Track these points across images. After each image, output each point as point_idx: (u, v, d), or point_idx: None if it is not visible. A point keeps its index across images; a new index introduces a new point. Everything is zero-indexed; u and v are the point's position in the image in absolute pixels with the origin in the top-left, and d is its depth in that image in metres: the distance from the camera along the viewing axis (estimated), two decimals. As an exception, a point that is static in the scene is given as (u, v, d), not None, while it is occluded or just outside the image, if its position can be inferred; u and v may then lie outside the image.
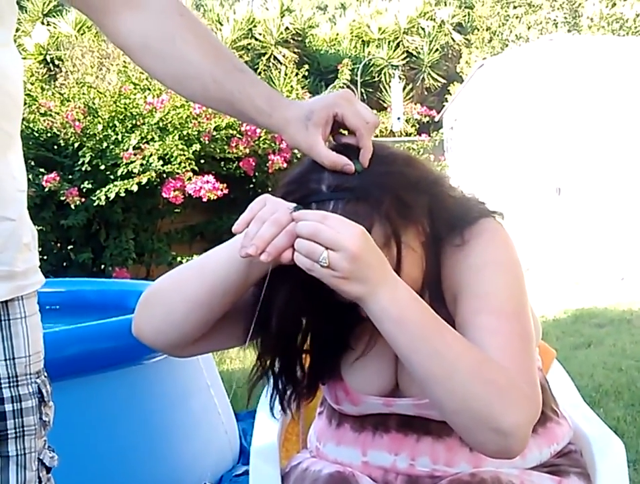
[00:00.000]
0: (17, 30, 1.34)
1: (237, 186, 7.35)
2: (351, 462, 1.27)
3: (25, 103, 7.33)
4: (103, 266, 6.98)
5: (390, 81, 12.72)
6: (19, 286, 1.10)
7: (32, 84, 7.47)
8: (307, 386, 1.27)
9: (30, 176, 6.50)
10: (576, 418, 1.46)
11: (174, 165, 6.73)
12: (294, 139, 1.18)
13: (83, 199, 6.61)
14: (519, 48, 12.21)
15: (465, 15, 16.52)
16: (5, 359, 1.08)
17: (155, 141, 6.83)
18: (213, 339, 1.23)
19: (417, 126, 11.70)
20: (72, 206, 6.55)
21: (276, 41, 13.97)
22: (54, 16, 15.85)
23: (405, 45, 15.31)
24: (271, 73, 12.30)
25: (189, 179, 6.77)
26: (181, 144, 6.85)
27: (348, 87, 10.55)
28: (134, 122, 6.98)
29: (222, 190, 6.84)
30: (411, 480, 1.23)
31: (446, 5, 16.77)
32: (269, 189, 8.05)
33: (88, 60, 11.30)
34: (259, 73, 11.57)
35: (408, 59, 15.01)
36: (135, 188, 6.55)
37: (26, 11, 16.45)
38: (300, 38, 14.41)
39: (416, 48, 15.38)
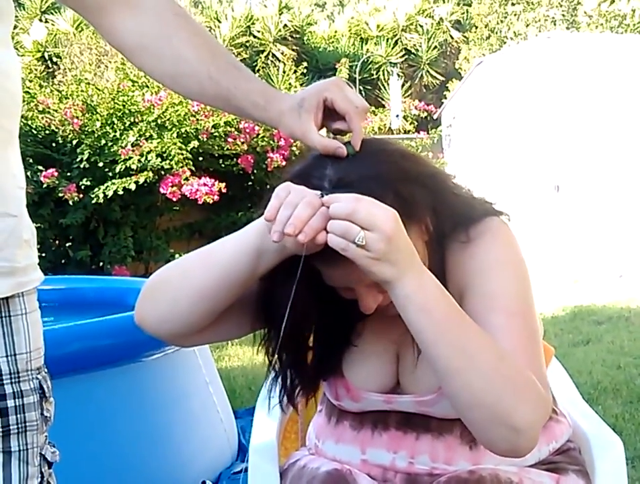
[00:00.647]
0: (14, 27, 1.35)
1: (235, 183, 7.35)
2: (350, 460, 1.27)
3: (23, 101, 7.32)
4: (101, 264, 6.98)
5: (388, 79, 12.72)
6: (20, 282, 1.10)
7: (30, 81, 7.47)
8: (309, 382, 1.27)
9: (28, 173, 6.50)
10: (575, 415, 1.46)
11: (172, 162, 6.73)
12: (289, 128, 1.19)
13: (82, 196, 6.60)
14: (517, 46, 12.21)
15: (463, 13, 16.50)
16: (7, 355, 1.09)
17: (153, 138, 6.83)
18: (217, 330, 1.21)
19: (416, 123, 11.69)
20: (71, 203, 6.55)
21: (274, 38, 13.96)
22: (52, 13, 15.82)
23: (404, 42, 15.30)
24: (270, 70, 12.29)
25: (187, 179, 6.76)
26: (179, 141, 6.85)
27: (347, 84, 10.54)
28: (132, 119, 6.97)
29: (219, 191, 6.83)
30: (410, 478, 1.22)
31: (444, 2, 16.76)
32: (268, 186, 8.03)
33: (86, 57, 11.29)
34: (258, 71, 11.56)
35: (406, 56, 15.00)
36: (133, 187, 6.55)
37: (24, 8, 16.43)
38: (298, 36, 14.39)
39: (414, 45, 15.37)
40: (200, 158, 7.08)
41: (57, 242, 7.04)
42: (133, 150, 6.68)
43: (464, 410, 1.06)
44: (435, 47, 15.35)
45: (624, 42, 10.55)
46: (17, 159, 1.14)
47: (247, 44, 13.88)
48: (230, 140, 7.15)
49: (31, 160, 6.53)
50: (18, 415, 1.09)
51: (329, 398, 1.32)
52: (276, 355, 1.22)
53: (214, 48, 1.24)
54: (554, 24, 15.68)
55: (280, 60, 12.89)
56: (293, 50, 13.38)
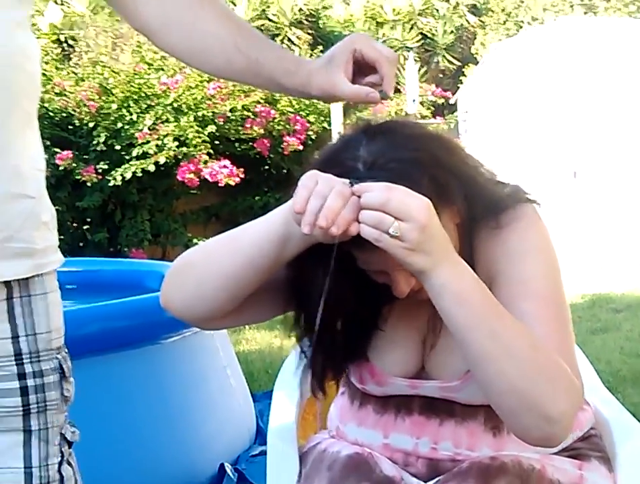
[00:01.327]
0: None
1: (252, 167, 7.35)
2: (372, 444, 1.26)
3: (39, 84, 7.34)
4: (118, 246, 7.01)
5: (404, 63, 12.64)
6: (38, 264, 1.10)
7: (47, 63, 7.48)
8: (337, 366, 1.27)
9: (46, 156, 6.50)
10: (595, 402, 1.45)
11: (189, 147, 6.72)
12: (319, 86, 1.16)
13: (100, 177, 6.61)
14: (534, 30, 12.11)
15: (480, -3, 16.38)
16: (26, 335, 1.09)
17: (170, 122, 6.83)
18: (242, 314, 1.21)
19: (432, 108, 11.64)
20: (89, 184, 6.57)
21: (290, 22, 13.89)
22: (68, -4, 15.79)
23: (419, 27, 15.19)
24: (285, 54, 12.23)
25: (205, 162, 6.76)
26: (196, 125, 6.85)
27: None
28: (148, 102, 6.98)
29: (239, 175, 6.83)
30: (433, 463, 1.22)
31: (460, -14, 16.63)
32: (284, 170, 8.07)
33: (102, 40, 11.28)
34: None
35: (422, 41, 14.90)
36: (152, 168, 6.55)
37: (40, -10, 16.40)
38: (313, 19, 14.32)
39: (430, 29, 15.27)
40: (217, 142, 7.07)
41: (74, 224, 7.07)
42: (150, 134, 6.68)
43: (497, 398, 1.06)
44: (452, 31, 15.23)
45: (643, 26, 10.44)
46: (36, 141, 1.14)
47: (262, 28, 13.82)
48: (247, 125, 7.15)
49: (48, 143, 6.55)
50: (38, 395, 1.10)
51: (352, 381, 1.32)
52: (302, 342, 1.23)
53: (238, 21, 1.23)
54: (572, 8, 15.54)
55: (295, 44, 12.83)
56: (308, 33, 13.32)
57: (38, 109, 1.17)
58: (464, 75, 14.51)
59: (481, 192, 1.17)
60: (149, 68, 7.34)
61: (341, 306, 1.15)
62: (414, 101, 8.02)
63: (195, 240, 7.10)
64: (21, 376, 1.09)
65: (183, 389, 2.68)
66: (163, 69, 7.37)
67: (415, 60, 9.54)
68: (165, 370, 2.65)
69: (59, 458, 1.14)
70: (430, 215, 1.00)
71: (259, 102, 7.33)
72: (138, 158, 6.68)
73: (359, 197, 1.00)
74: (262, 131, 7.25)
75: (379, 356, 1.25)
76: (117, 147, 6.75)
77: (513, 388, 1.03)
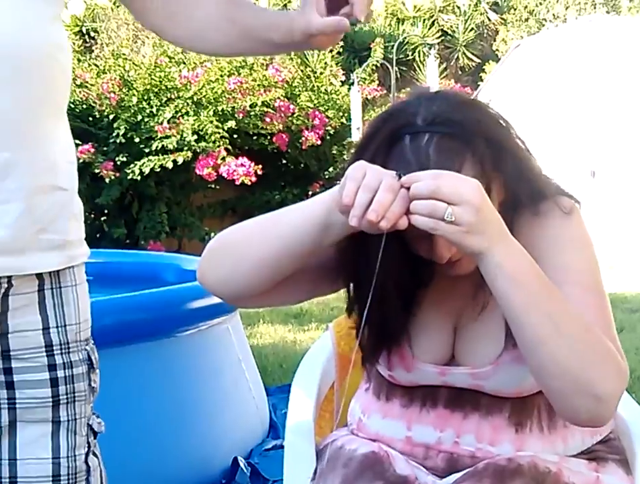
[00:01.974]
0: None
1: (269, 162, 7.35)
2: (394, 436, 1.26)
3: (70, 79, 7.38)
4: (136, 239, 7.03)
5: (424, 60, 12.58)
6: (71, 256, 1.12)
7: (68, 55, 7.51)
8: (372, 350, 1.25)
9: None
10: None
11: (209, 143, 6.73)
12: (299, 30, 1.16)
13: (117, 174, 6.64)
14: (557, 29, 12.03)
15: (502, -6, 16.28)
16: (57, 327, 1.10)
17: (190, 116, 6.84)
18: (278, 294, 1.22)
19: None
20: (107, 181, 6.59)
21: (311, 17, 13.88)
22: (90, -12, 15.85)
23: (440, 23, 15.13)
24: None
25: (223, 158, 6.77)
26: (216, 120, 6.85)
27: (382, 65, 10.46)
28: (168, 95, 6.99)
29: (256, 173, 6.84)
30: (452, 458, 1.22)
31: (482, -18, 16.54)
32: (302, 165, 8.06)
33: (123, 32, 11.32)
34: (293, 49, 11.49)
35: (443, 38, 14.83)
36: (170, 165, 6.57)
37: (62, -18, 16.43)
38: (334, 15, 14.31)
39: (451, 26, 15.20)
40: (235, 136, 7.08)
41: (92, 216, 7.10)
42: (170, 128, 6.70)
43: (549, 380, 1.07)
44: (472, 29, 15.16)
45: (667, 26, 10.34)
46: (67, 134, 1.15)
47: (284, 22, 13.83)
48: (267, 119, 7.14)
49: (68, 135, 6.58)
50: (68, 385, 1.11)
51: (379, 370, 1.31)
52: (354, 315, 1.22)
53: None
54: (595, 7, 15.41)
55: (315, 39, 12.82)
56: (329, 29, 13.28)
57: None
58: (485, 72, 14.43)
59: (528, 174, 1.18)
60: (170, 61, 7.35)
61: (384, 285, 1.15)
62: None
63: (212, 234, 7.11)
64: (52, 367, 1.10)
65: (198, 382, 2.68)
66: (184, 62, 7.38)
67: (436, 56, 9.48)
68: (180, 363, 2.66)
69: (86, 449, 1.15)
70: (482, 195, 1.00)
71: (279, 97, 7.33)
72: (157, 152, 6.69)
73: (407, 189, 1.00)
74: (281, 126, 7.24)
75: (410, 341, 1.25)
76: (137, 140, 6.76)
77: (566, 370, 1.04)
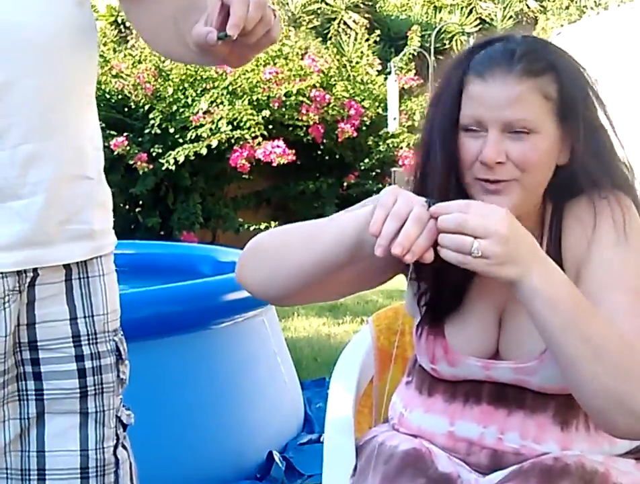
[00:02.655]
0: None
1: (304, 153, 7.33)
2: (435, 432, 1.24)
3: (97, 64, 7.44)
4: (170, 230, 7.06)
5: (461, 48, 12.47)
6: (98, 246, 1.11)
7: (104, 45, 7.55)
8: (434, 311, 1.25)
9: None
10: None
11: (243, 130, 6.72)
12: (189, 39, 1.06)
13: (151, 166, 6.67)
14: (598, 16, 11.85)
15: (541, -18, 16.11)
16: (85, 317, 1.09)
17: (225, 105, 6.84)
18: (320, 293, 1.27)
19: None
20: (141, 172, 6.63)
21: (347, 5, 13.82)
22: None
23: (478, 11, 15.02)
24: (341, 38, 12.17)
25: (259, 143, 6.77)
26: (251, 109, 6.84)
27: (419, 54, 10.38)
28: (204, 85, 7.00)
29: (292, 155, 6.84)
30: (496, 455, 1.19)
31: (521, -30, 16.37)
32: (337, 156, 8.03)
33: (159, 23, 11.38)
34: (330, 38, 11.48)
35: (481, 26, 14.71)
36: (204, 151, 6.57)
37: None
38: (370, 3, 14.23)
39: (489, 14, 15.07)
40: (271, 127, 7.07)
41: (127, 207, 7.14)
42: (204, 117, 6.70)
43: (589, 399, 1.07)
44: (511, 17, 15.03)
45: None
46: (95, 122, 1.14)
47: (319, 11, 13.78)
48: (302, 110, 7.12)
49: (103, 125, 6.60)
50: (95, 377, 1.10)
51: (422, 365, 1.29)
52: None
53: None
54: (637, -6, 15.17)
55: (351, 28, 12.77)
56: (365, 17, 13.23)
57: (96, 91, 1.15)
58: (523, 62, 14.26)
59: (603, 151, 1.19)
60: (205, 51, 7.36)
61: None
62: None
63: (246, 226, 7.12)
64: (79, 358, 1.09)
65: (234, 375, 2.67)
66: (218, 52, 7.37)
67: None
68: (216, 355, 2.65)
69: (114, 441, 1.13)
70: (510, 224, 1.00)
71: (314, 86, 7.30)
72: (191, 141, 6.70)
73: (436, 218, 1.01)
74: (317, 118, 7.22)
75: (455, 334, 1.23)
76: (172, 130, 6.78)
77: (604, 388, 1.04)
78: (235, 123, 6.80)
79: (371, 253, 1.07)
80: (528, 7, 15.56)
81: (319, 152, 7.77)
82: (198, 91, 7.00)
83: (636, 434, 1.09)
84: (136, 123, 7.03)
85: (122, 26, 10.93)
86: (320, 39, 11.42)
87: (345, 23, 13.54)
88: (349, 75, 8.06)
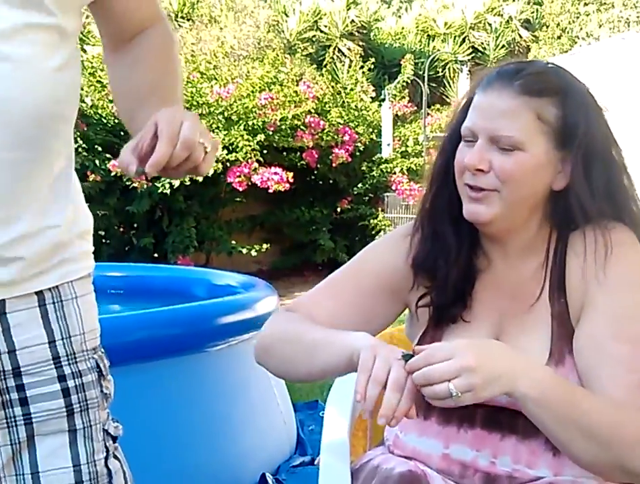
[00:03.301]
0: (87, 17, 1.33)
1: (299, 178, 7.36)
2: (430, 454, 1.25)
3: (94, 89, 7.43)
4: (164, 252, 7.07)
5: (454, 76, 12.58)
6: (68, 271, 1.11)
7: (102, 70, 7.58)
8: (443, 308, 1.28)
9: (97, 161, 6.60)
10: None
11: (239, 154, 6.76)
12: None
13: (149, 184, 6.69)
14: (589, 47, 11.97)
15: (533, 12, 16.24)
16: (62, 338, 1.11)
17: (220, 131, 6.87)
18: None
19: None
20: (139, 191, 6.63)
21: (341, 33, 13.93)
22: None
23: (471, 40, 15.14)
24: (336, 66, 12.26)
25: (255, 169, 6.80)
26: (246, 134, 6.88)
27: (413, 81, 10.46)
28: (200, 111, 7.03)
29: (289, 180, 6.87)
30: (490, 478, 1.21)
31: (514, 0, 16.53)
32: (331, 181, 8.07)
33: (155, 48, 11.44)
34: (325, 65, 11.55)
35: (473, 54, 14.83)
36: (200, 178, 6.60)
37: None
38: (365, 31, 14.34)
39: (482, 43, 15.19)
40: (265, 152, 7.11)
41: (122, 229, 7.14)
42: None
43: (583, 466, 1.13)
44: (504, 46, 15.15)
45: (702, 44, 10.24)
46: (68, 166, 1.12)
47: (314, 39, 13.88)
48: (297, 136, 7.17)
49: (99, 149, 6.62)
50: (79, 394, 1.12)
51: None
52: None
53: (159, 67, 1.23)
54: (628, 26, 15.31)
55: (345, 56, 12.87)
56: (359, 45, 13.33)
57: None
58: (515, 90, 14.35)
59: (599, 183, 1.19)
60: (202, 77, 7.40)
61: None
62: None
63: (239, 249, 7.13)
64: (61, 378, 1.11)
65: (227, 397, 2.67)
66: (215, 78, 7.43)
67: (468, 72, 9.49)
68: (209, 378, 2.65)
69: (104, 453, 1.15)
70: (476, 350, 1.05)
71: (309, 112, 7.35)
72: (187, 165, 6.73)
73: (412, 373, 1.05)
74: (311, 143, 7.26)
75: None
76: (167, 154, 6.81)
77: (599, 460, 1.10)
78: (231, 148, 6.84)
79: None
80: (520, 37, 15.69)
81: (313, 177, 7.80)
82: (194, 116, 7.04)
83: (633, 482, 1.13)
84: (132, 146, 7.06)
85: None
86: (315, 66, 11.49)
87: (340, 50, 13.64)
88: (343, 102, 8.12)
